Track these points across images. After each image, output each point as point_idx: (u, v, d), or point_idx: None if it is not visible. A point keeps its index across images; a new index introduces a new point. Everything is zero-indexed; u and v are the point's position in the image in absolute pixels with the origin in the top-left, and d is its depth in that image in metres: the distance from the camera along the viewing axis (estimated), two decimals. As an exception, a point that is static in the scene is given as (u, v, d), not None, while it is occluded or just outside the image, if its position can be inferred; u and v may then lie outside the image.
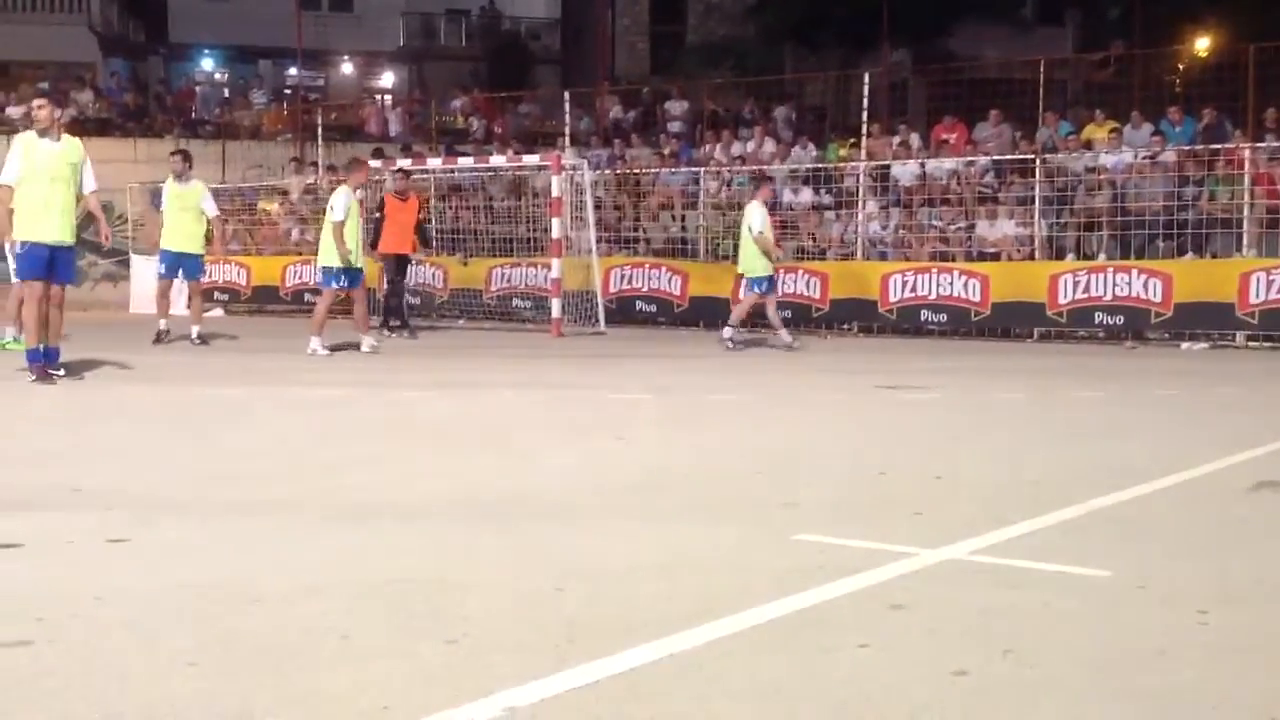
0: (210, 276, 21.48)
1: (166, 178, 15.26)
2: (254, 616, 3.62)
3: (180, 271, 14.80)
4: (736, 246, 15.70)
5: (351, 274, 13.66)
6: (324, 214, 22.45)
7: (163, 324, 14.76)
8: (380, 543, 4.62)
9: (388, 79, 41.29)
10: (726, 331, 14.94)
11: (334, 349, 13.63)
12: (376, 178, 19.06)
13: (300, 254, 22.66)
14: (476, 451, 6.98)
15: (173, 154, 15.56)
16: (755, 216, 14.81)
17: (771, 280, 14.94)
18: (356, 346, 13.74)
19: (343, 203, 13.54)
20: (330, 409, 9.18)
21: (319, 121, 26.10)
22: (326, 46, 37.19)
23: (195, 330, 14.82)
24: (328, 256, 13.74)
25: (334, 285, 13.79)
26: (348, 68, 40.57)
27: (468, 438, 7.57)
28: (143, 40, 39.48)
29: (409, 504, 5.33)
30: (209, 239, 15.32)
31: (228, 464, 6.47)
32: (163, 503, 5.36)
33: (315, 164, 24.94)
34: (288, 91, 34.72)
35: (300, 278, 22.28)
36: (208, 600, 3.77)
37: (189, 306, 15.29)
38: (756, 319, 15.68)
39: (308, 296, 22.01)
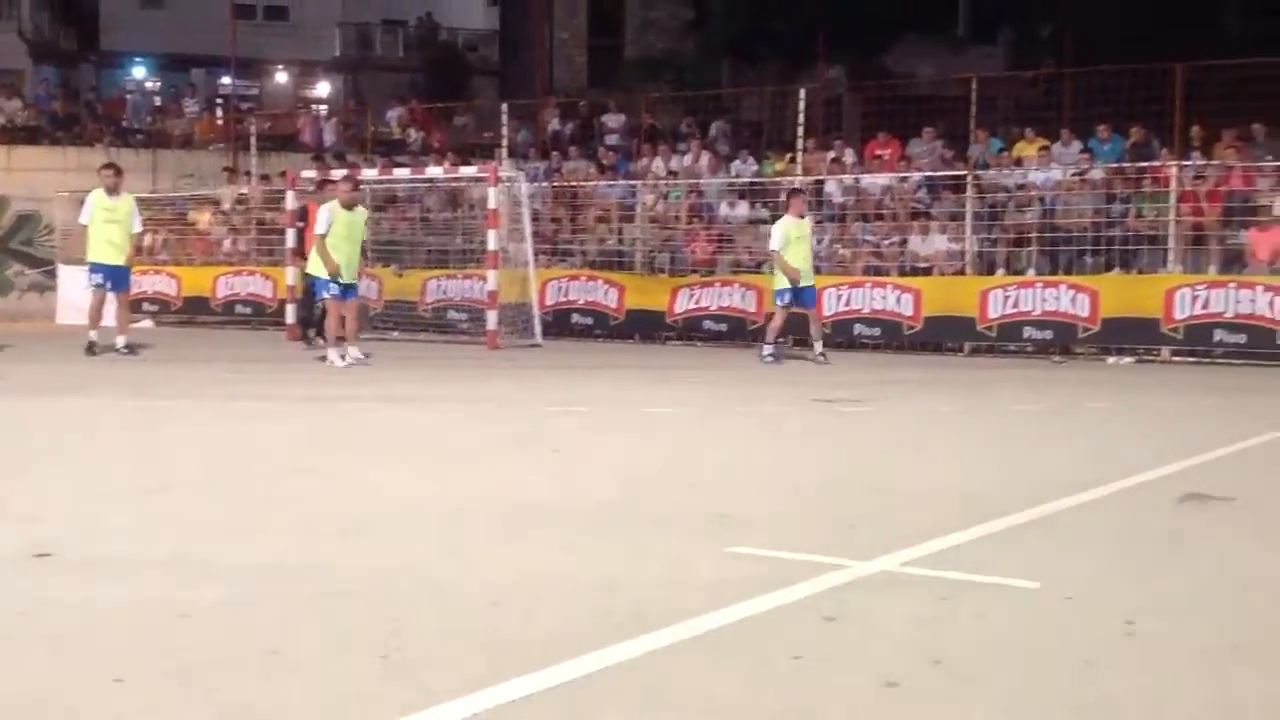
0: (140, 287, 21.20)
1: (94, 189, 15.00)
2: (183, 631, 3.57)
3: (109, 284, 14.63)
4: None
5: (343, 285, 13.60)
6: (257, 224, 22.33)
7: (94, 334, 14.55)
8: (315, 555, 4.57)
9: (323, 89, 41.03)
10: (765, 348, 14.95)
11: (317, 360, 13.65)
12: (312, 188, 18.92)
13: (232, 265, 22.42)
14: (412, 465, 6.94)
15: (105, 168, 15.32)
16: (773, 233, 14.99)
17: (795, 292, 14.82)
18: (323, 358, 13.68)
19: (325, 217, 13.61)
20: (265, 421, 9.08)
21: (252, 131, 25.86)
22: (261, 55, 36.82)
23: (122, 340, 14.64)
24: (314, 267, 13.97)
25: (325, 294, 13.92)
26: (282, 77, 40.26)
27: (404, 451, 7.53)
28: (74, 48, 38.90)
29: (344, 516, 5.28)
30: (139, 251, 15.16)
31: (159, 476, 6.37)
32: (92, 515, 5.28)
33: (248, 174, 24.68)
34: (220, 100, 34.36)
35: (232, 289, 22.04)
36: (136, 614, 3.72)
37: (117, 318, 15.08)
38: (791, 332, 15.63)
39: (239, 308, 21.82)
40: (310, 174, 19.15)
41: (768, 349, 14.93)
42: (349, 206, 13.71)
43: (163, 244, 23.45)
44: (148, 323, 21.48)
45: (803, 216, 15.12)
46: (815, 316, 15.19)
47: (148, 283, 22.39)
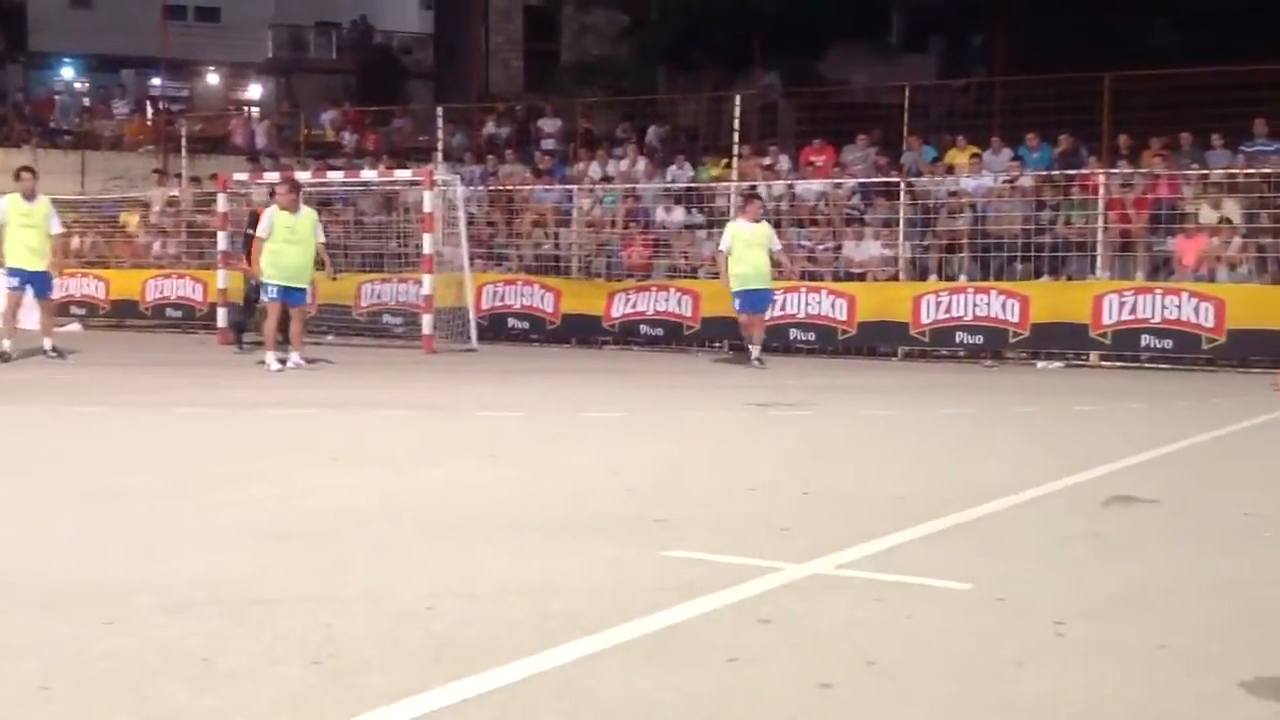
0: (67, 290, 20.85)
1: (10, 193, 14.67)
2: (112, 637, 3.52)
3: (30, 289, 14.33)
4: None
5: (286, 289, 13.49)
6: (187, 227, 22.02)
7: (6, 344, 14.11)
8: (249, 561, 4.52)
9: (255, 91, 40.59)
10: (754, 350, 14.94)
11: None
12: (244, 190, 18.71)
13: (162, 268, 22.12)
14: (349, 469, 6.88)
15: (23, 170, 14.98)
16: (723, 235, 15.15)
17: (745, 296, 14.85)
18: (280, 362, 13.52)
19: (265, 221, 13.60)
20: (198, 427, 8.97)
21: (183, 133, 25.54)
22: (192, 57, 36.29)
23: (48, 343, 14.36)
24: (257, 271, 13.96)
25: (265, 298, 13.85)
26: (214, 79, 39.76)
27: (340, 455, 7.46)
28: (2, 48, 38.21)
29: (279, 522, 5.23)
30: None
31: (92, 481, 6.28)
32: (24, 518, 5.19)
33: (179, 176, 24.38)
34: (151, 102, 33.87)
35: (161, 292, 21.74)
36: (64, 622, 3.66)
37: (40, 323, 14.78)
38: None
39: (169, 311, 21.53)
40: (242, 176, 18.93)
41: (755, 350, 14.97)
42: (288, 209, 13.60)
43: (90, 246, 23.08)
44: (75, 326, 21.13)
45: (757, 221, 15.13)
46: (761, 322, 15.24)
47: (75, 286, 22.03)
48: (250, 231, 16.13)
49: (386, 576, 4.33)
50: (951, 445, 8.56)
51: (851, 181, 18.94)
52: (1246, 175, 16.26)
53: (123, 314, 22.09)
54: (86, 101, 31.85)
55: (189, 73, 37.47)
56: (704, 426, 9.62)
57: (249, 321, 16.49)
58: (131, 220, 23.42)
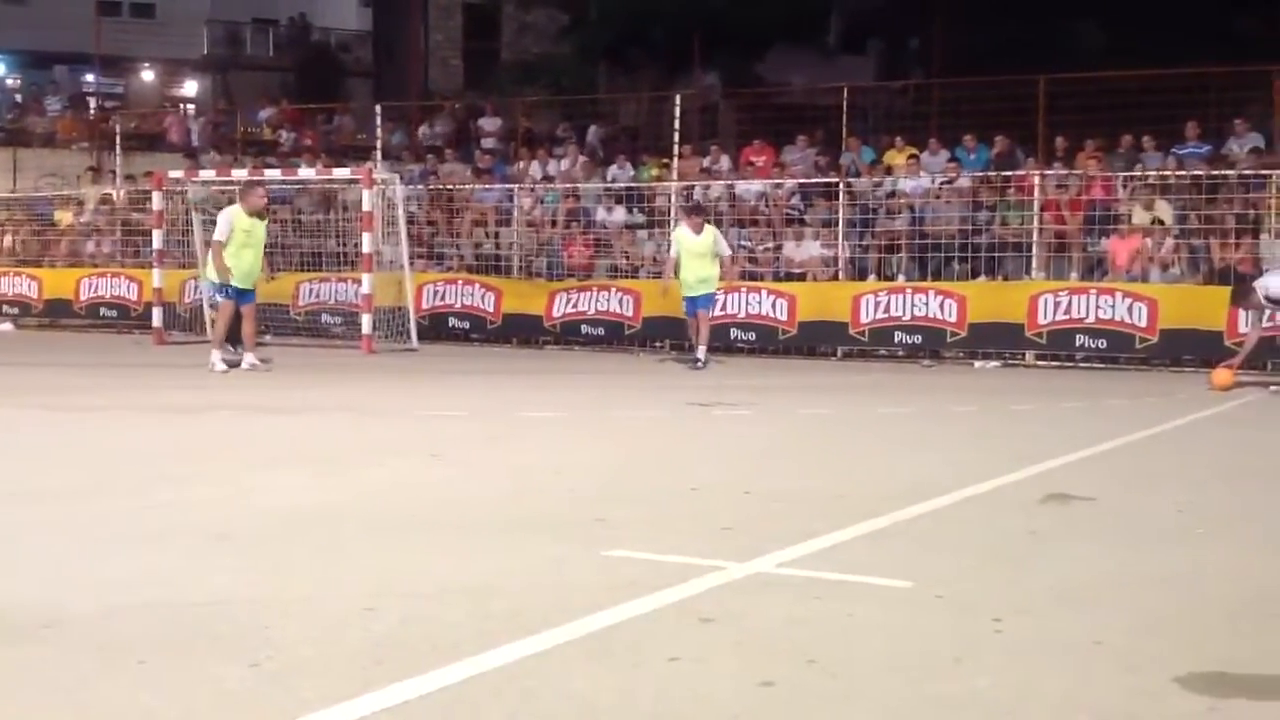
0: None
1: None
2: (49, 641, 3.46)
3: None
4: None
5: (240, 290, 13.45)
6: (122, 225, 21.69)
7: None
8: (187, 564, 4.47)
9: (191, 88, 40.05)
10: (699, 351, 15.00)
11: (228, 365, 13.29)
12: (179, 188, 18.48)
13: (96, 266, 21.79)
14: (288, 470, 6.82)
15: None
16: (671, 244, 15.51)
17: (686, 301, 15.13)
18: (236, 364, 13.37)
19: (224, 223, 13.54)
20: (136, 427, 8.85)
21: (117, 130, 25.17)
22: (127, 53, 35.75)
23: None
24: (209, 272, 13.92)
25: (220, 297, 13.75)
26: (149, 75, 39.18)
27: (278, 456, 7.39)
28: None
29: (217, 523, 5.17)
30: None
31: (29, 481, 6.17)
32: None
33: (113, 173, 24.02)
34: (84, 99, 33.32)
35: (95, 291, 21.42)
36: (0, 624, 3.59)
37: None
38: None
39: (103, 310, 21.22)
40: (178, 174, 18.68)
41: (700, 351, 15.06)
42: (254, 213, 13.49)
43: (23, 245, 22.69)
44: (7, 326, 20.78)
45: (699, 233, 15.18)
46: (706, 320, 15.29)
47: (7, 284, 21.67)
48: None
49: (326, 578, 4.29)
50: (891, 444, 8.62)
51: (791, 182, 19.01)
52: (1178, 177, 16.51)
53: (56, 313, 21.75)
54: (18, 98, 31.28)
55: (124, 69, 36.91)
56: (645, 426, 9.62)
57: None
58: (65, 218, 23.05)
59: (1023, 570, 4.66)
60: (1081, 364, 15.89)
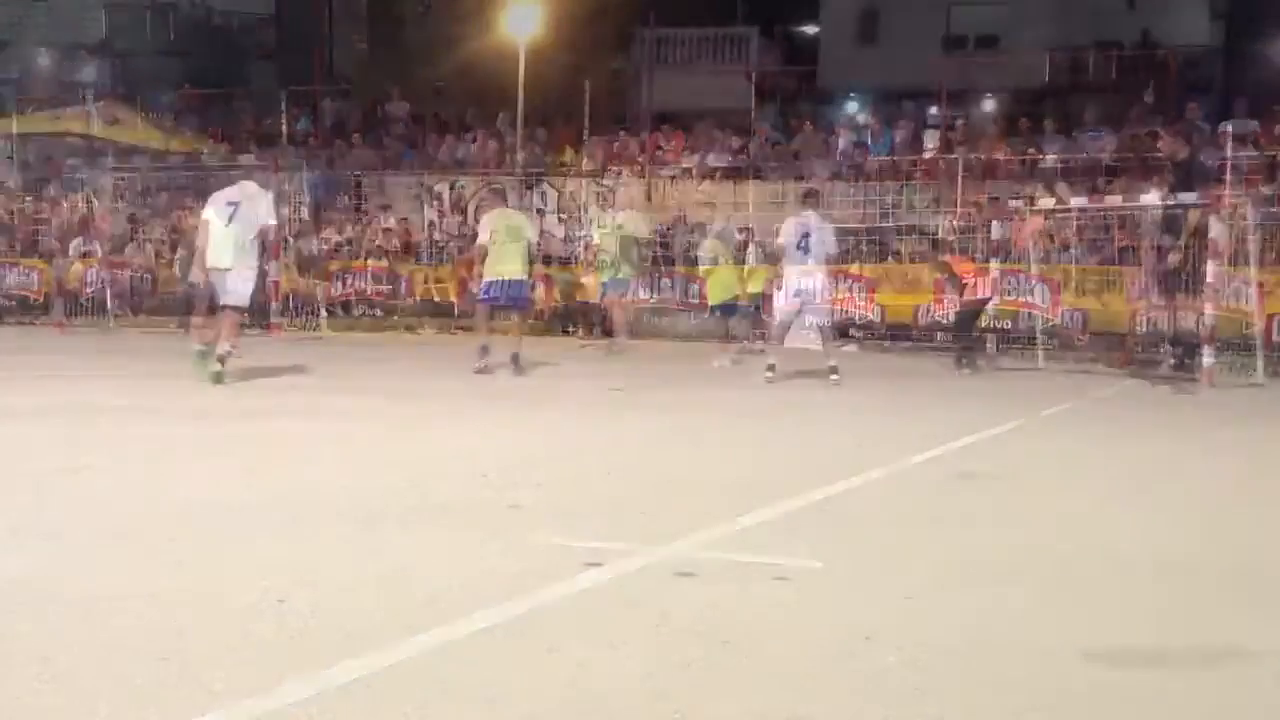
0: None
1: None
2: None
3: None
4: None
5: None
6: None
7: None
8: (87, 559, 4.38)
9: (88, 74, 38.99)
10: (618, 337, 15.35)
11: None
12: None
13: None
14: (187, 463, 6.70)
15: None
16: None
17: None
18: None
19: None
20: (28, 419, 8.63)
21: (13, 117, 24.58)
22: (969, 85, 34.25)
23: None
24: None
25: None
26: (44, 61, 38.06)
27: (177, 449, 7.25)
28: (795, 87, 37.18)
29: (118, 518, 5.07)
30: None
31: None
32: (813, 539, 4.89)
33: (10, 160, 23.46)
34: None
35: None
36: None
37: None
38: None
39: None
40: (1016, 203, 17.99)
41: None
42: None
43: None
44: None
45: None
46: (619, 305, 15.34)
47: None
48: None
49: (236, 570, 4.23)
50: (797, 428, 8.70)
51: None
52: (1079, 160, 16.83)
53: None
54: None
55: (13, 56, 35.80)
56: (564, 412, 9.61)
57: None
58: None
59: (931, 546, 4.74)
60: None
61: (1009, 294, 15.75)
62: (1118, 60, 39.09)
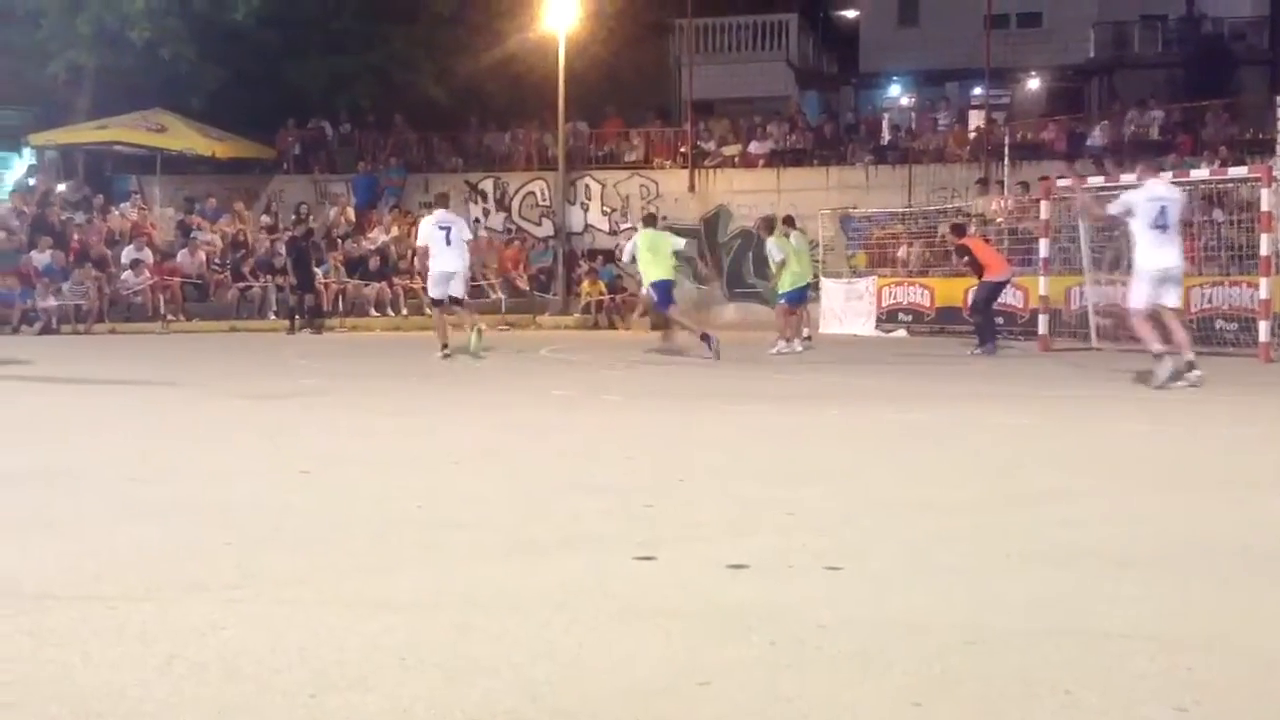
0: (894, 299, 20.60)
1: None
2: (974, 656, 3.10)
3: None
4: None
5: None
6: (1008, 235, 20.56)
7: None
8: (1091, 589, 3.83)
9: (1075, 93, 37.63)
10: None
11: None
12: (1065, 196, 17.36)
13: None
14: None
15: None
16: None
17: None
18: None
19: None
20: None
21: (1005, 140, 24.87)
22: (1013, 64, 34.39)
23: None
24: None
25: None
26: (1034, 84, 37.45)
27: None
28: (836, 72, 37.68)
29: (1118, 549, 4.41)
30: None
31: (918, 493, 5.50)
32: (869, 531, 4.62)
33: (1000, 184, 23.67)
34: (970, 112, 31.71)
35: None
36: (923, 637, 3.25)
37: None
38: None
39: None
40: (1065, 182, 17.84)
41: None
42: None
43: (915, 257, 22.58)
44: (901, 332, 20.75)
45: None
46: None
47: (903, 294, 21.68)
48: None
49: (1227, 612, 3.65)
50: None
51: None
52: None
53: (946, 320, 21.01)
54: (913, 117, 30.39)
55: (1010, 80, 35.38)
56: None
57: None
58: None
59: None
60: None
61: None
62: (1163, 33, 38.32)
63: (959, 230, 17.49)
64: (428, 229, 14.74)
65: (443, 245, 14.37)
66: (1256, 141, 22.51)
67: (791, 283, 15.77)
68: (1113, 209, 10.91)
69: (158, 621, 3.28)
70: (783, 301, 15.85)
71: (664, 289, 15.36)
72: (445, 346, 14.13)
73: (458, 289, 14.79)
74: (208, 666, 2.91)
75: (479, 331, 14.52)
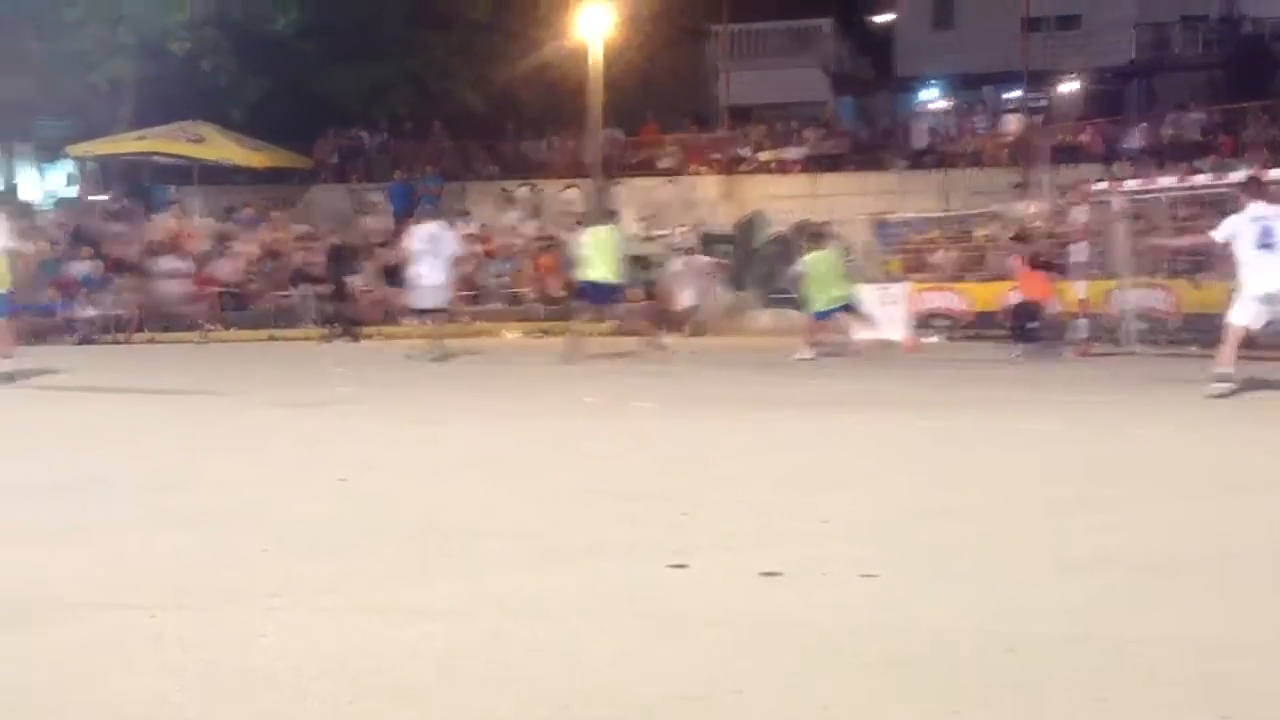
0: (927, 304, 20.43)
1: None
2: (1009, 664, 3.10)
3: None
4: None
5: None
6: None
7: None
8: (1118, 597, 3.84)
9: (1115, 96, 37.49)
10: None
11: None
12: (1103, 199, 17.41)
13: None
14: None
15: None
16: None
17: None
18: None
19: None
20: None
21: (1043, 144, 24.85)
22: (1051, 66, 34.14)
23: None
24: None
25: None
26: (1072, 86, 37.32)
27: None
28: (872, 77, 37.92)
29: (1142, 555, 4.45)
30: None
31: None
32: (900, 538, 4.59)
33: (1038, 187, 23.49)
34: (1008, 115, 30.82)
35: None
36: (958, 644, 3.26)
37: None
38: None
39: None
40: (1101, 185, 17.96)
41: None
42: None
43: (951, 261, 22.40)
44: (935, 338, 20.16)
45: None
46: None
47: (939, 299, 21.19)
48: None
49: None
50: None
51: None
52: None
53: (984, 325, 20.33)
54: (951, 121, 30.22)
55: (1047, 82, 35.39)
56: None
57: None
58: (987, 234, 22.61)
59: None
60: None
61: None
62: (1203, 34, 37.76)
63: (1020, 240, 16.85)
64: (416, 240, 15.15)
65: (430, 258, 14.83)
66: (1297, 143, 22.20)
67: (827, 303, 15.38)
68: (1218, 235, 10.60)
69: (196, 629, 3.32)
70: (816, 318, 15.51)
71: (604, 291, 14.95)
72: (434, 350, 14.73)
73: (440, 300, 15.30)
74: (247, 674, 2.94)
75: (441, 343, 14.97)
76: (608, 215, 16.54)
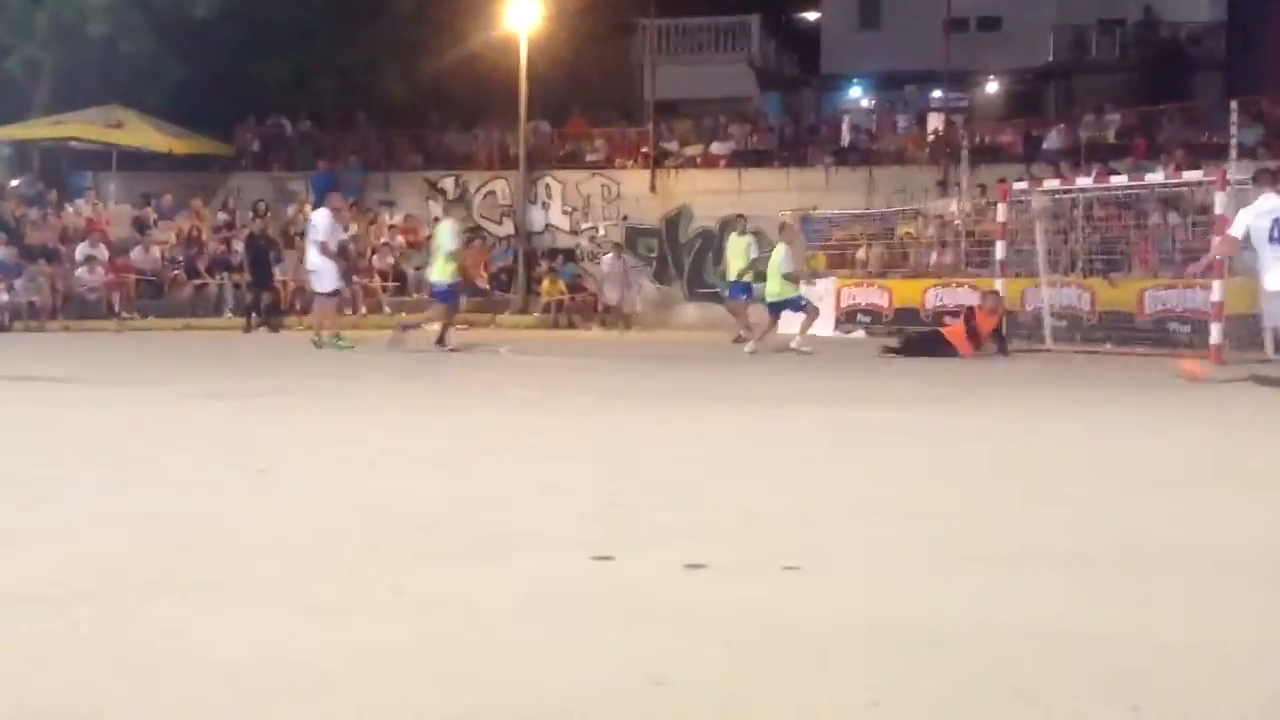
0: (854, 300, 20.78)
1: None
2: (931, 656, 3.09)
3: None
4: None
5: None
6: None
7: None
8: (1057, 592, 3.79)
9: (1031, 97, 37.30)
10: None
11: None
12: (1023, 199, 17.55)
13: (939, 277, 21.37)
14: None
15: None
16: None
17: None
18: None
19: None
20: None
21: (963, 144, 24.97)
22: (972, 67, 33.83)
23: None
24: None
25: None
26: (992, 87, 37.01)
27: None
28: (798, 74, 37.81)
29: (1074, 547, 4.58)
30: None
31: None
32: (830, 532, 4.58)
33: (958, 186, 23.73)
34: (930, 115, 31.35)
35: (940, 300, 20.66)
36: (882, 638, 3.24)
37: None
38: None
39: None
40: (1021, 185, 18.05)
41: None
42: None
43: (874, 258, 22.74)
44: (859, 333, 20.75)
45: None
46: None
47: (862, 295, 21.77)
48: None
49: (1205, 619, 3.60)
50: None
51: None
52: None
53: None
54: (873, 120, 30.61)
55: (969, 83, 34.91)
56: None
57: None
58: (908, 231, 23.08)
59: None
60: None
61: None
62: (1121, 37, 38.55)
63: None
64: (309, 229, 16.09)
65: (312, 245, 15.63)
66: (1211, 145, 22.77)
67: (778, 295, 16.02)
68: (1234, 231, 10.51)
69: (112, 624, 3.25)
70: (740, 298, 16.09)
71: (445, 291, 15.32)
72: (339, 337, 15.41)
73: (321, 286, 15.83)
74: (165, 668, 2.89)
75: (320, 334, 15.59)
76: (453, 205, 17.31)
